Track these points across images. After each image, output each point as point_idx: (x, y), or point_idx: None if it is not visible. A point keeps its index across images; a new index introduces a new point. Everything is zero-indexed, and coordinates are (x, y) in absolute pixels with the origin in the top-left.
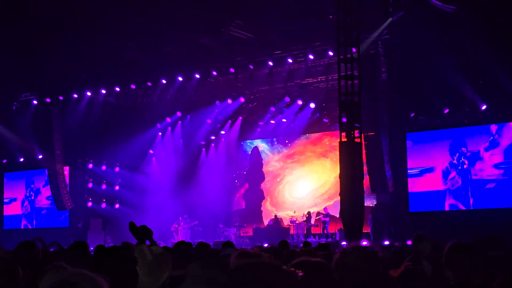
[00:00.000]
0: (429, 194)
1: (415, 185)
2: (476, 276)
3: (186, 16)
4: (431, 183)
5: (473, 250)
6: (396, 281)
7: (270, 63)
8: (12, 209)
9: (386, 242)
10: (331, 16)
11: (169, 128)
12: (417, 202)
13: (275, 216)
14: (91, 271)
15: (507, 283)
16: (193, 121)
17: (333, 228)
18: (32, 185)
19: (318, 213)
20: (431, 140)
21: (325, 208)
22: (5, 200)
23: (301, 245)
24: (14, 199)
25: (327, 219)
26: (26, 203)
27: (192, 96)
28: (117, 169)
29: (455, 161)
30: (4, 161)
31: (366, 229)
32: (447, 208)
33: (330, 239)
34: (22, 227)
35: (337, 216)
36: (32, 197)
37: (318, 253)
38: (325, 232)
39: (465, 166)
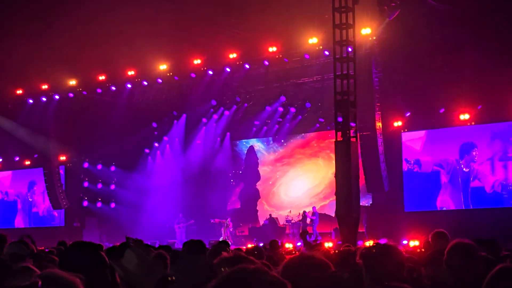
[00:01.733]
0: (426, 194)
1: (411, 185)
2: (473, 277)
3: (183, 15)
4: (428, 183)
5: (473, 251)
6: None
7: (266, 63)
8: (8, 208)
9: (382, 241)
10: (327, 16)
11: (165, 127)
12: (413, 201)
13: (270, 215)
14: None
15: (496, 283)
16: (189, 120)
17: (328, 228)
18: (28, 184)
19: (310, 212)
20: (428, 140)
21: (313, 207)
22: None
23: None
24: (10, 198)
25: (314, 217)
26: (22, 202)
27: (188, 95)
28: (112, 168)
29: (452, 161)
30: (0, 159)
31: (361, 229)
32: (444, 207)
33: (319, 238)
34: (16, 226)
35: (333, 215)
36: (28, 196)
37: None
38: (311, 231)
39: (464, 166)
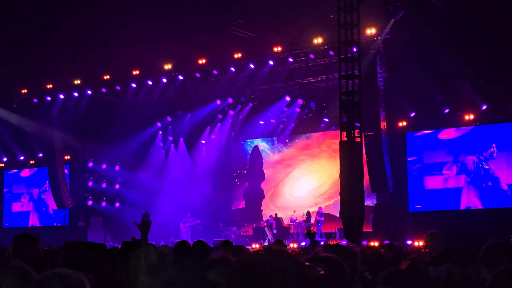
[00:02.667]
0: (428, 194)
1: (414, 185)
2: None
3: (187, 15)
4: (431, 183)
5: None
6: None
7: (271, 62)
8: (12, 207)
9: (386, 242)
10: (331, 15)
11: (169, 126)
12: (417, 202)
13: (276, 215)
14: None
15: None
16: (193, 120)
17: (332, 228)
18: (39, 183)
19: (318, 213)
20: (432, 140)
21: (320, 208)
22: (7, 198)
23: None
24: (24, 197)
25: (322, 218)
26: (35, 200)
27: (192, 94)
28: (117, 167)
29: (462, 163)
30: (5, 159)
31: (367, 229)
32: (470, 207)
33: (324, 238)
34: (30, 224)
35: (337, 215)
36: (40, 195)
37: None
38: (316, 231)
39: (481, 165)
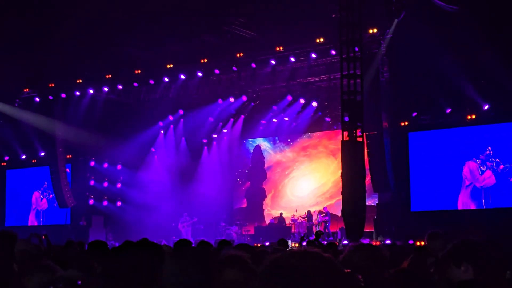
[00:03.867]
0: (430, 194)
1: (416, 184)
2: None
3: (189, 14)
4: (433, 183)
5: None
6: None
7: (273, 62)
8: (22, 206)
9: (388, 241)
10: (334, 15)
11: (171, 126)
12: (418, 201)
13: (281, 214)
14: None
15: None
16: (195, 119)
17: (334, 227)
18: (39, 182)
19: (320, 212)
20: (434, 140)
21: (325, 208)
22: (9, 197)
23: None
24: (23, 195)
25: (327, 218)
26: (34, 199)
27: (194, 94)
28: (119, 166)
29: (464, 162)
30: (7, 158)
31: (369, 229)
32: (465, 207)
33: (331, 238)
34: (30, 223)
35: (339, 215)
36: (40, 194)
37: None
38: (327, 231)
39: (480, 165)
